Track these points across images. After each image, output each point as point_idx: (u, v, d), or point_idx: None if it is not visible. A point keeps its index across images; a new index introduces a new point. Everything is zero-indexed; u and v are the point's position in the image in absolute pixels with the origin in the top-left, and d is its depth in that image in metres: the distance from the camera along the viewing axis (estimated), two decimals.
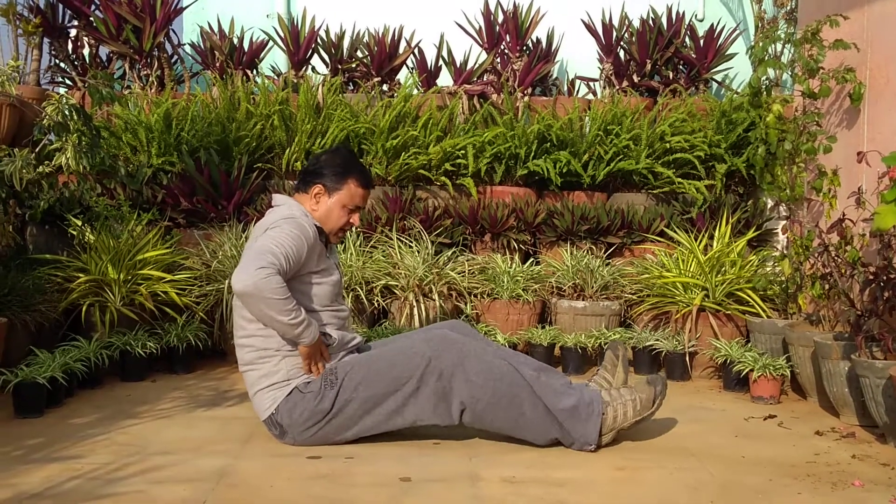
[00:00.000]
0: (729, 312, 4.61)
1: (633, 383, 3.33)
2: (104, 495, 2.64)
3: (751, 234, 5.00)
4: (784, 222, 5.05)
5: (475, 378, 3.10)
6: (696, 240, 4.92)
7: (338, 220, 3.33)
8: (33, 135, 4.36)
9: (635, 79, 6.07)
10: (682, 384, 4.47)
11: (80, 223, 4.59)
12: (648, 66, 6.03)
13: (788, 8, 5.64)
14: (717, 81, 6.21)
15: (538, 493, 2.72)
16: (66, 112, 4.16)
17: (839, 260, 3.93)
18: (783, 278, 4.53)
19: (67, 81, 5.90)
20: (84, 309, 4.41)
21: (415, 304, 4.71)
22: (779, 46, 4.77)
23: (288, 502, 2.62)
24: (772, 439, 3.44)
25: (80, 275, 4.48)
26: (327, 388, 3.14)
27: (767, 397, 4.04)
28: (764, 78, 4.86)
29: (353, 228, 3.57)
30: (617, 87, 6.08)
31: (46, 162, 4.59)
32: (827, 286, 4.02)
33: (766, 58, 4.72)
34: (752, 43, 4.88)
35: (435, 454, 3.15)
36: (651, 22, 6.06)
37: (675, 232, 5.05)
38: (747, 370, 4.10)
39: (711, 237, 4.95)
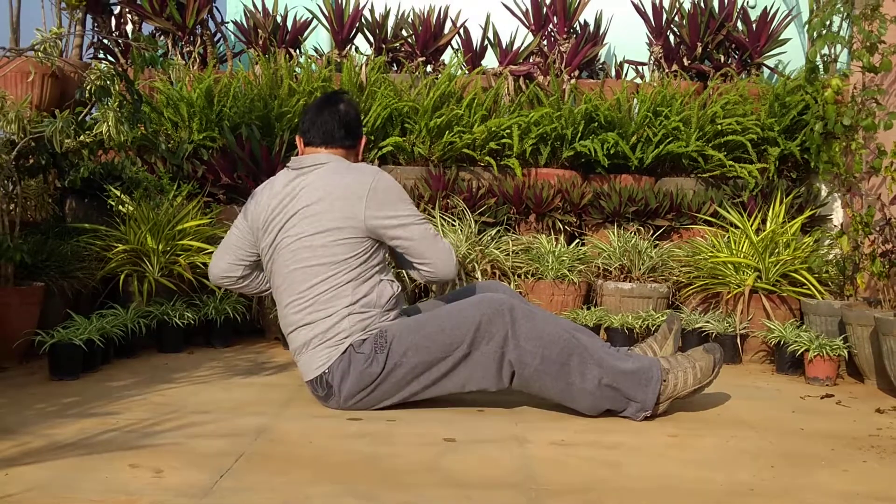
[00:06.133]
0: (783, 294, 4.46)
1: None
2: (140, 446, 2.55)
3: (805, 217, 4.83)
4: (839, 205, 4.90)
5: (525, 343, 2.98)
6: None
7: None
8: (74, 99, 4.31)
9: (685, 62, 5.93)
10: (734, 367, 4.31)
11: (119, 193, 4.53)
12: (699, 50, 5.89)
13: None
14: (769, 67, 6.06)
15: (589, 455, 2.60)
16: (108, 80, 4.09)
17: None
18: (840, 258, 4.38)
19: (110, 58, 5.87)
20: (122, 278, 4.34)
21: (457, 282, 4.60)
22: (836, 22, 4.62)
23: (329, 456, 2.52)
24: (831, 415, 3.30)
25: (119, 245, 4.42)
26: (378, 351, 3.03)
27: (823, 378, 3.89)
28: (823, 52, 4.72)
29: None
30: (666, 71, 5.94)
31: (88, 132, 4.55)
32: (888, 264, 3.87)
33: (824, 32, 4.57)
34: (808, 19, 4.73)
35: (480, 419, 3.04)
36: (702, 4, 5.92)
37: (727, 212, 4.89)
38: (802, 350, 3.94)
39: (763, 221, 4.80)
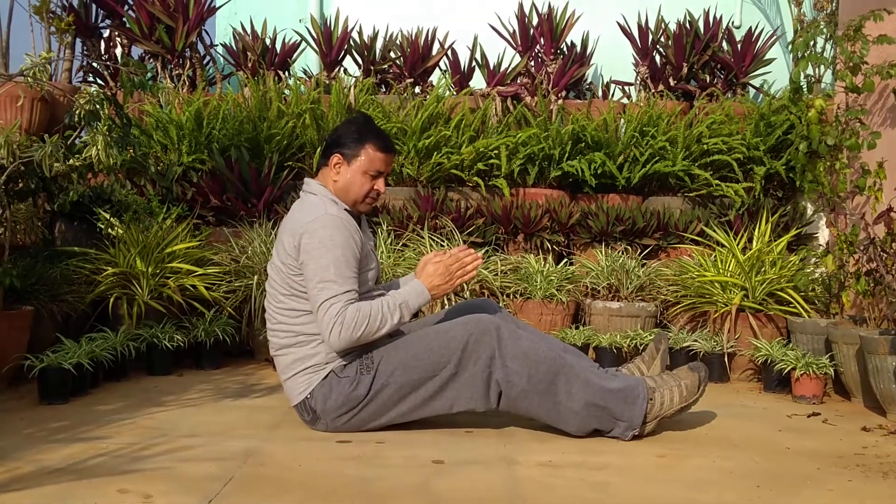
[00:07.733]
0: (770, 313, 4.49)
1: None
2: (129, 471, 2.56)
3: (790, 236, 4.87)
4: (824, 223, 4.94)
5: (511, 363, 3.00)
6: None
7: (360, 187, 3.19)
8: (63, 123, 4.32)
9: (671, 82, 5.98)
10: (721, 385, 4.33)
11: (108, 216, 4.55)
12: (685, 70, 5.94)
13: (829, 10, 5.53)
14: (754, 87, 6.11)
15: (577, 476, 2.62)
16: (98, 104, 4.11)
17: (885, 255, 3.81)
18: (825, 277, 4.41)
19: (99, 82, 5.89)
20: (111, 301, 4.35)
21: (446, 302, 4.62)
22: (820, 43, 4.68)
23: (318, 480, 2.53)
24: (817, 434, 3.32)
25: (108, 268, 4.42)
26: (363, 373, 3.04)
27: (810, 396, 3.91)
28: (807, 71, 4.76)
29: (379, 198, 3.35)
30: (653, 91, 5.99)
31: (77, 155, 4.56)
32: (872, 282, 3.90)
33: (808, 53, 4.62)
34: (792, 39, 4.79)
35: (468, 440, 3.06)
36: (688, 25, 5.98)
37: (713, 231, 4.93)
38: (789, 368, 3.97)
39: (750, 240, 4.84)
